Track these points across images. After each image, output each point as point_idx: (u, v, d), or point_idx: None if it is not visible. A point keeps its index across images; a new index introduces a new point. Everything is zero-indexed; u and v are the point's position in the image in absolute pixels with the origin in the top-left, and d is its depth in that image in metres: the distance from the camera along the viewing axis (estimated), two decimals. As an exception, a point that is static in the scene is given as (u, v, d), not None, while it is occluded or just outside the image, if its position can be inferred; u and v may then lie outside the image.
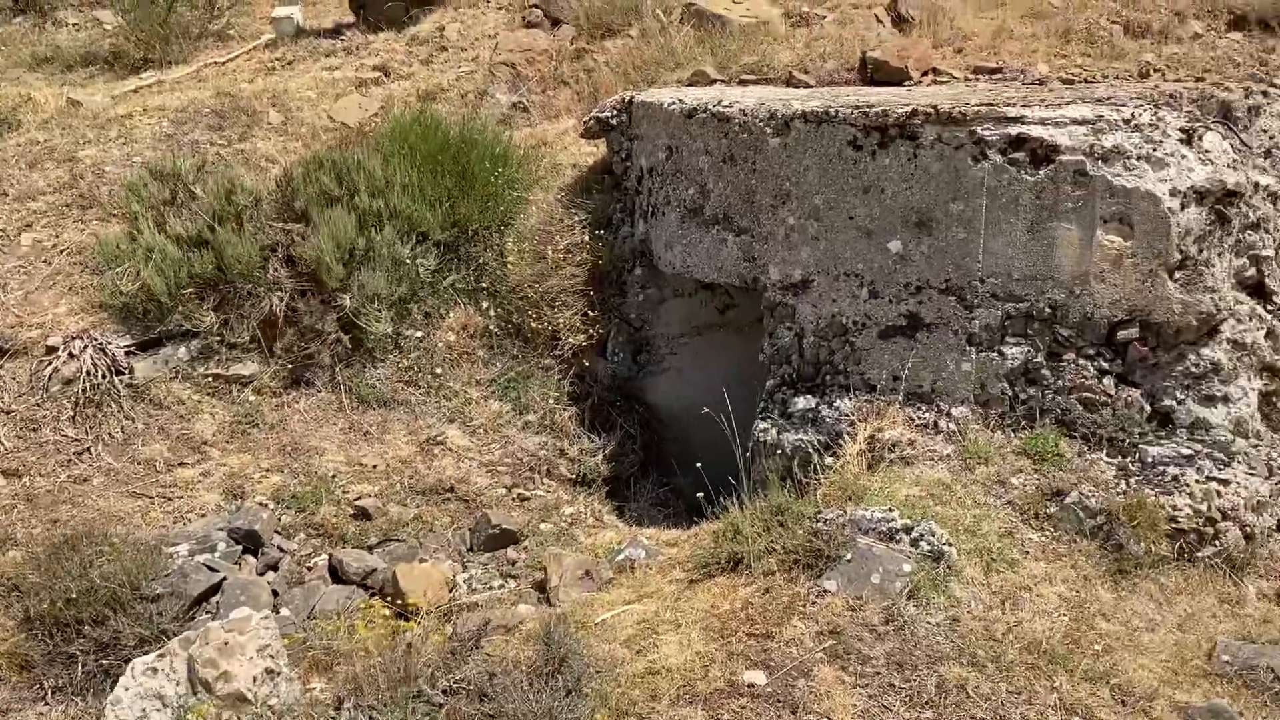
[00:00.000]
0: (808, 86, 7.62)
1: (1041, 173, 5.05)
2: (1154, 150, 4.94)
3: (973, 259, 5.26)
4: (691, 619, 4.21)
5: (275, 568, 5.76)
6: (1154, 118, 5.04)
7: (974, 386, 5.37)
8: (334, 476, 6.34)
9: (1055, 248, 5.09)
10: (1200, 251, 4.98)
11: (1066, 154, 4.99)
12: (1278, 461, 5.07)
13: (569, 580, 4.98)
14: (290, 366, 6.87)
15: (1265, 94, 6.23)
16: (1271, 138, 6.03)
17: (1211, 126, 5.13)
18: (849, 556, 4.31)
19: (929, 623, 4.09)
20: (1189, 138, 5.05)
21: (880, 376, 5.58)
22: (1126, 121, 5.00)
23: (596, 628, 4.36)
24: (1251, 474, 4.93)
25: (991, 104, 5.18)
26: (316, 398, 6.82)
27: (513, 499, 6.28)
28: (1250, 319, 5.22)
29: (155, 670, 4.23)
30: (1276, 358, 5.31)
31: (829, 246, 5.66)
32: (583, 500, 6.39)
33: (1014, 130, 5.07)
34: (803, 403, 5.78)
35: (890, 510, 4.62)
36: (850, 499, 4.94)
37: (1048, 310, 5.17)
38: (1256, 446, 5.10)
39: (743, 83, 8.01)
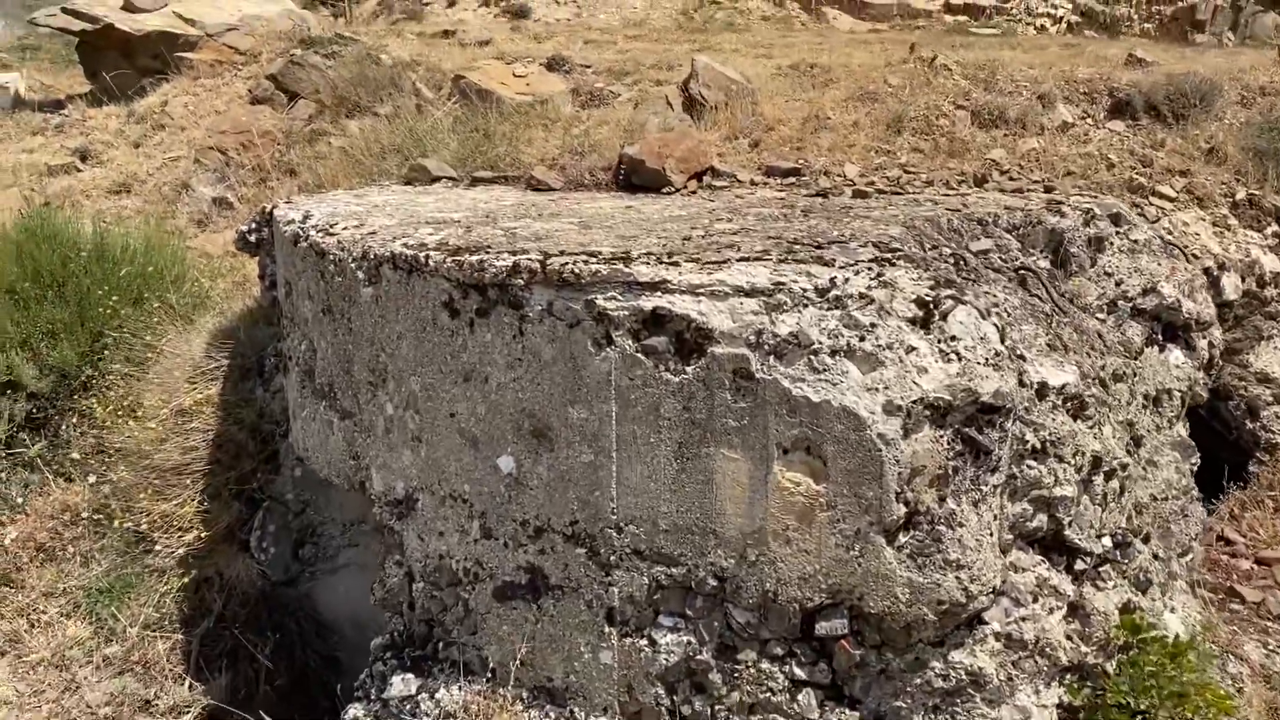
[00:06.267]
0: (550, 190, 5.81)
1: (690, 369, 3.16)
2: (861, 340, 3.05)
3: (604, 493, 3.36)
4: None
5: None
6: (871, 282, 3.16)
7: (618, 688, 3.45)
8: None
9: (715, 486, 3.19)
10: (940, 501, 3.08)
11: (724, 343, 3.11)
12: (1074, 841, 3.13)
13: None
14: None
15: (1116, 219, 4.44)
16: (1119, 284, 4.23)
17: (964, 300, 3.25)
18: None
19: None
20: (926, 316, 3.17)
21: (498, 654, 3.67)
22: (822, 292, 3.12)
23: None
24: None
25: (621, 257, 3.30)
26: None
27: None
28: (1039, 597, 3.30)
29: None
30: (1087, 651, 3.38)
31: (430, 453, 3.77)
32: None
33: (648, 302, 3.19)
34: (400, 685, 3.85)
35: None
36: None
37: (712, 581, 3.26)
38: (1044, 808, 3.17)
39: (476, 182, 6.19)
